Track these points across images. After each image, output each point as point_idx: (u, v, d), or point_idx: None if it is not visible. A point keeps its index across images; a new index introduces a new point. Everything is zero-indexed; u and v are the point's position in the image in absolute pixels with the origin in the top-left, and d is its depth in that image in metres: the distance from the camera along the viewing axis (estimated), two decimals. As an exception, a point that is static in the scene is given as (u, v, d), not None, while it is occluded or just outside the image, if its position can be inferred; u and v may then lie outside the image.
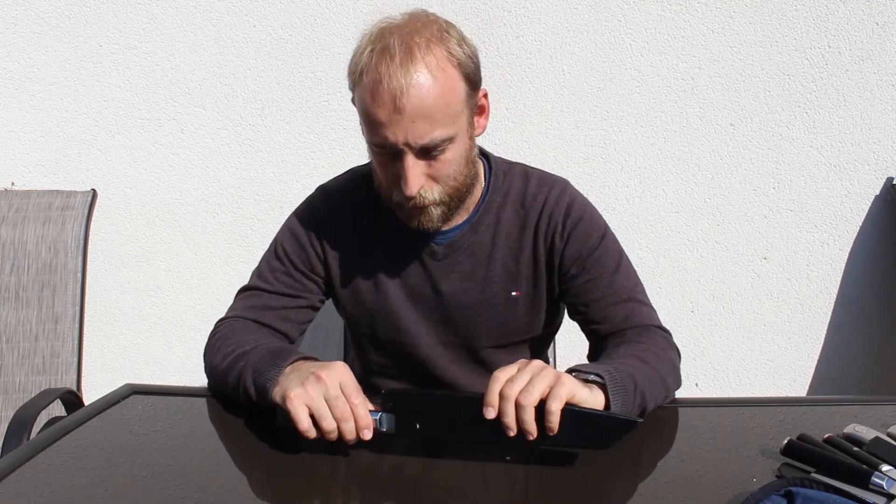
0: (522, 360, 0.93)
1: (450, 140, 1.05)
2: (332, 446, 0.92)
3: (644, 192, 2.04)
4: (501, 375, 0.90)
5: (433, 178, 1.07)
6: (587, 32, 1.96)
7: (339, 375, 0.93)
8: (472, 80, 1.08)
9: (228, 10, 1.98)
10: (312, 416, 0.91)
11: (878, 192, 2.02)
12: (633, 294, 1.17)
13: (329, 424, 0.90)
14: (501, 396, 0.88)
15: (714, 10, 1.95)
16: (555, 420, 0.87)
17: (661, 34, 1.96)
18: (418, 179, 1.05)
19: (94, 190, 1.99)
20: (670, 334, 1.15)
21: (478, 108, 1.12)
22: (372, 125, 1.04)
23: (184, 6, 1.98)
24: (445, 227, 1.19)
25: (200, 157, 2.05)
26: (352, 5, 1.97)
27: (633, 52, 1.97)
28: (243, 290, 1.23)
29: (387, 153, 1.06)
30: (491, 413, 0.88)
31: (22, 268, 1.89)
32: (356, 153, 1.93)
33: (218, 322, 1.21)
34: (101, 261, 2.09)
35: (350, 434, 0.91)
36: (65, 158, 2.06)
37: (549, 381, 0.88)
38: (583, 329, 1.21)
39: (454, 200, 1.11)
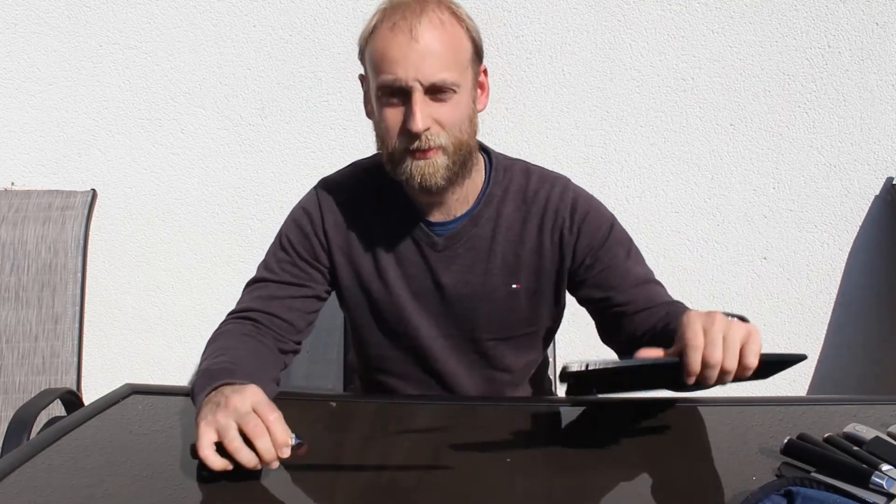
0: (706, 316, 0.90)
1: (455, 87, 1.09)
2: (327, 451, 0.92)
3: (644, 192, 2.04)
4: (698, 342, 0.88)
5: (439, 124, 1.09)
6: (587, 32, 1.96)
7: (251, 396, 0.90)
8: (477, 47, 1.14)
9: (228, 10, 1.98)
10: (221, 445, 0.87)
11: (878, 192, 2.02)
12: (649, 276, 1.21)
13: (232, 443, 0.85)
14: (705, 364, 0.88)
15: (714, 10, 1.95)
16: (749, 373, 0.90)
17: (661, 34, 1.96)
18: (426, 119, 1.07)
19: (94, 190, 1.99)
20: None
21: (479, 83, 1.17)
22: (385, 64, 1.07)
23: (184, 6, 1.98)
24: (446, 219, 1.20)
25: (200, 157, 2.05)
26: (352, 5, 1.97)
27: (633, 52, 1.97)
28: (251, 283, 1.24)
29: (396, 95, 1.08)
30: (692, 380, 0.89)
31: (22, 268, 1.89)
32: (356, 153, 1.94)
33: (227, 316, 1.21)
34: (101, 261, 2.09)
35: (268, 453, 0.86)
36: (65, 158, 2.06)
37: (741, 336, 0.89)
38: (602, 316, 1.21)
39: (458, 156, 1.12)
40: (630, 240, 1.24)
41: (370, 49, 1.11)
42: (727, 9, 1.94)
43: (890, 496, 0.79)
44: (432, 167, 1.10)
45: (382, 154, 1.15)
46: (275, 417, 0.88)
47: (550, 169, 1.26)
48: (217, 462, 0.86)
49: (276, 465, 0.87)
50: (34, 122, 2.04)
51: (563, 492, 0.87)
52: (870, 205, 2.02)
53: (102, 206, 2.04)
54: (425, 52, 1.06)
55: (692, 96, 1.99)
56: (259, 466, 0.86)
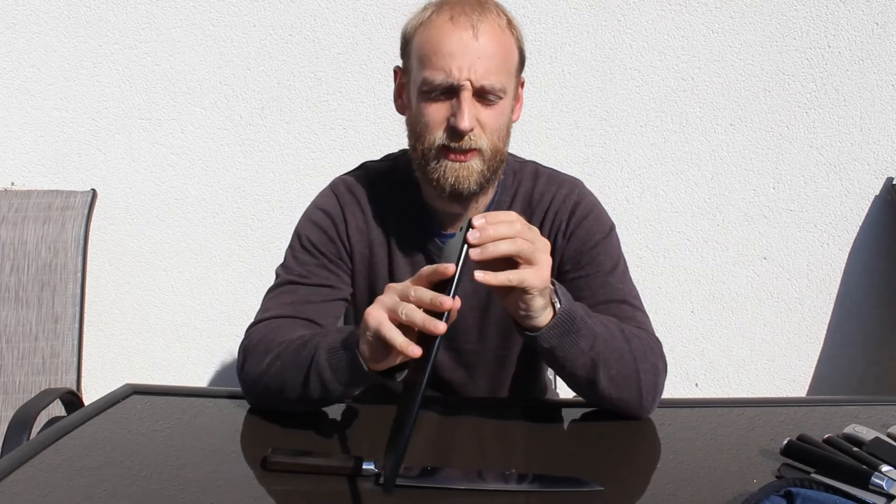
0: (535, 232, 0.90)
1: (502, 93, 1.07)
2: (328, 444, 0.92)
3: (644, 192, 2.03)
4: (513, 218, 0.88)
5: (482, 127, 1.07)
6: (587, 32, 1.96)
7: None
8: (523, 58, 1.13)
9: (228, 10, 1.98)
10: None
11: (878, 192, 2.02)
12: (627, 297, 1.13)
13: (406, 308, 0.86)
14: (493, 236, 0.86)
15: (714, 10, 1.95)
16: (487, 279, 0.87)
17: (661, 34, 1.96)
18: (472, 119, 1.05)
19: (94, 190, 1.99)
20: (660, 345, 1.09)
21: (517, 94, 1.15)
22: (438, 58, 1.04)
23: (184, 6, 1.98)
24: (457, 230, 1.18)
25: (200, 157, 2.05)
26: (352, 5, 1.97)
27: (633, 52, 1.97)
28: (274, 288, 1.17)
29: (442, 91, 1.05)
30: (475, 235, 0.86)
31: (22, 268, 1.89)
32: (356, 153, 1.93)
33: (250, 328, 1.13)
34: (101, 261, 2.09)
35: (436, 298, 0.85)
36: (65, 158, 2.06)
37: (535, 262, 0.88)
38: None
39: (493, 163, 1.10)
40: (620, 256, 1.18)
41: (421, 39, 1.07)
42: (727, 9, 1.94)
43: (890, 497, 0.79)
44: (467, 170, 1.07)
45: (414, 150, 1.11)
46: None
47: (564, 172, 1.24)
48: (401, 338, 0.86)
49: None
50: (34, 122, 2.04)
51: (564, 493, 0.87)
52: (870, 205, 2.02)
53: (102, 206, 2.04)
54: (483, 52, 1.04)
55: (692, 96, 1.99)
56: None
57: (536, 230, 0.92)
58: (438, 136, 1.07)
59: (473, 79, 1.04)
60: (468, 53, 1.03)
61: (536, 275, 0.89)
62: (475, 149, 1.07)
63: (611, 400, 1.02)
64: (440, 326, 0.83)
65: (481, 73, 1.04)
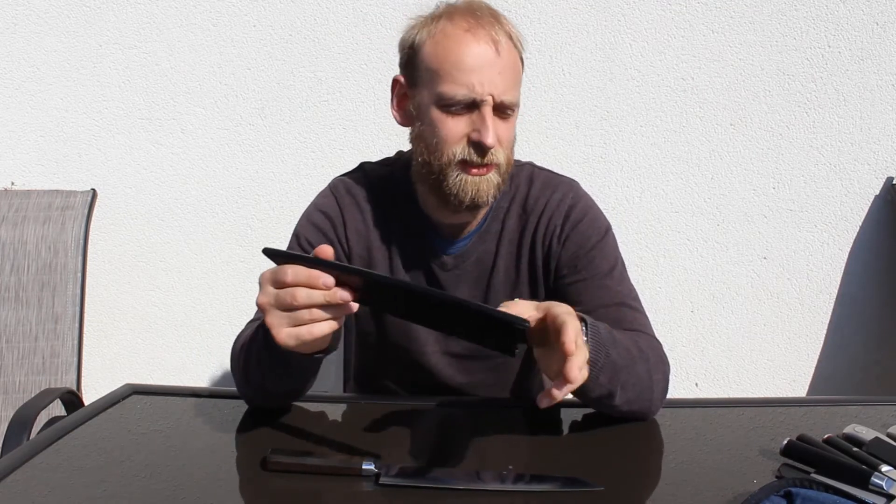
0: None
1: (517, 106, 1.08)
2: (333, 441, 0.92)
3: (644, 192, 2.04)
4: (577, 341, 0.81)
5: (499, 141, 1.07)
6: (587, 32, 1.96)
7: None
8: (523, 68, 1.13)
9: (228, 10, 1.98)
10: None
11: (878, 192, 2.02)
12: (626, 300, 1.12)
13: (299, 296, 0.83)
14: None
15: (714, 10, 1.95)
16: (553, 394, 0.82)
17: (661, 34, 1.96)
18: (496, 134, 1.05)
19: (94, 190, 1.99)
20: (662, 346, 1.09)
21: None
22: (460, 72, 1.03)
23: (184, 6, 1.98)
24: (457, 237, 1.18)
25: (200, 157, 2.05)
26: (352, 5, 1.97)
27: (633, 52, 1.97)
28: None
29: (462, 106, 1.04)
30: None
31: (22, 268, 1.89)
32: (356, 153, 1.93)
33: (247, 325, 1.15)
34: (101, 261, 2.09)
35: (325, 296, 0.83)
36: (65, 158, 2.06)
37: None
38: None
39: (506, 175, 1.10)
40: (618, 257, 1.17)
41: (435, 50, 1.05)
42: (727, 9, 1.94)
43: (889, 497, 0.79)
44: (487, 183, 1.07)
45: (427, 164, 1.09)
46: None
47: (559, 172, 1.23)
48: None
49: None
50: (34, 122, 2.04)
51: (564, 493, 0.87)
52: (870, 205, 2.03)
53: (102, 206, 2.04)
54: (503, 68, 1.04)
55: (692, 96, 1.99)
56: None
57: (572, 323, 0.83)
58: (459, 151, 1.06)
59: (495, 94, 1.03)
60: (490, 69, 1.03)
61: (580, 371, 0.82)
62: (495, 163, 1.07)
63: (622, 413, 1.02)
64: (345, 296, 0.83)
65: (502, 88, 1.04)
